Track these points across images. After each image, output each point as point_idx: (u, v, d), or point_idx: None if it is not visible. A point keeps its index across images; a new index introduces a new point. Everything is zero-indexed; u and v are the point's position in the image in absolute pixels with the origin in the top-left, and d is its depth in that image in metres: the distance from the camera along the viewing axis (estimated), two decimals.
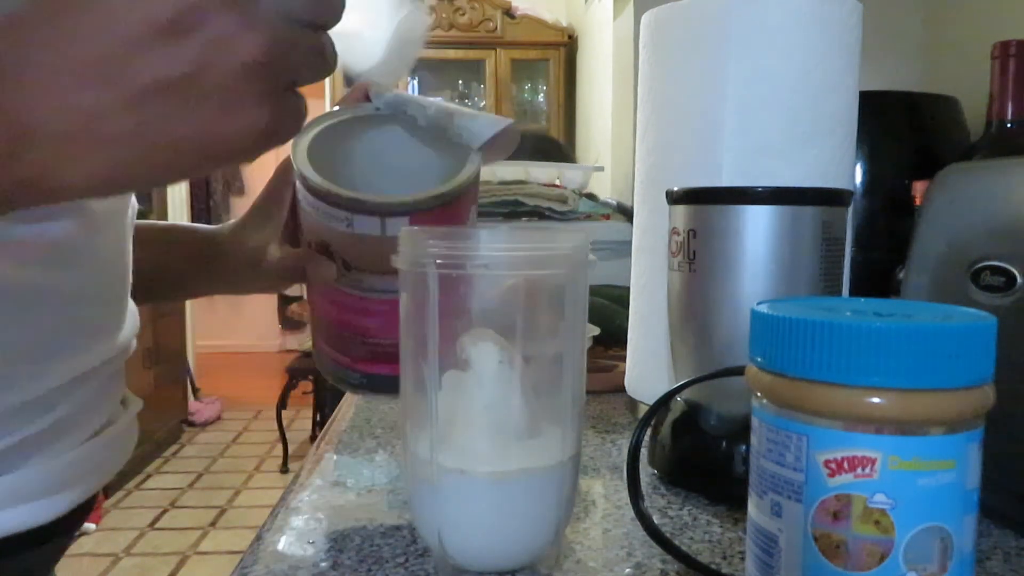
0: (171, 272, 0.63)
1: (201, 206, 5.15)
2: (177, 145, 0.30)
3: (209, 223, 0.66)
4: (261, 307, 5.83)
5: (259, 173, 5.47)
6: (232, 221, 0.61)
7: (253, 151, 0.32)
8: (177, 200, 4.63)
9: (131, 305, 0.54)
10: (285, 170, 0.57)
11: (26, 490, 0.44)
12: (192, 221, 4.91)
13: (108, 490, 3.16)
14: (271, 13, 0.30)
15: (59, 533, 0.49)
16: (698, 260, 0.49)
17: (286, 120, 0.32)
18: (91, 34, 0.28)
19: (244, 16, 0.29)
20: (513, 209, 1.32)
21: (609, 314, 0.88)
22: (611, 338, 0.84)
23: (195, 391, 4.39)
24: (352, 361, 0.54)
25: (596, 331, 0.83)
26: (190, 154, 0.31)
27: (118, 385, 0.53)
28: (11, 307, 0.42)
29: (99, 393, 0.49)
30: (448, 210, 0.49)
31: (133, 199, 0.52)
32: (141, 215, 0.56)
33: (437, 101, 0.52)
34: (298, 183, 0.50)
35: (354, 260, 0.50)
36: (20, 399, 0.43)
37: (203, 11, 0.28)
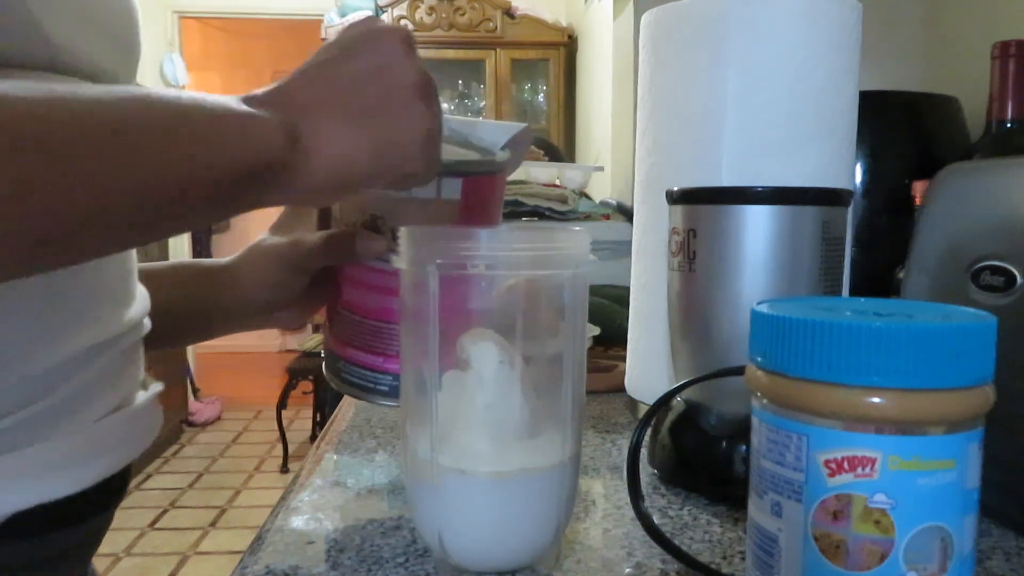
0: (185, 312, 0.63)
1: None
2: (377, 148, 0.43)
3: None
4: None
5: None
6: (250, 245, 0.62)
7: (426, 149, 0.44)
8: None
9: (140, 288, 0.55)
10: None
11: (44, 463, 0.44)
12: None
13: None
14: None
15: (87, 514, 0.50)
16: (698, 260, 0.49)
17: (440, 120, 0.46)
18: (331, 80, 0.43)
19: (406, 54, 0.44)
20: (513, 209, 1.32)
21: (609, 314, 0.88)
22: (611, 338, 0.84)
23: (195, 391, 4.39)
24: (384, 361, 0.54)
25: (596, 331, 0.83)
26: (386, 155, 0.43)
27: (133, 365, 0.53)
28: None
29: (112, 370, 0.50)
30: (494, 181, 0.53)
31: None
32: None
33: (460, 117, 0.56)
34: None
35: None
36: (34, 370, 0.44)
37: (382, 67, 0.43)
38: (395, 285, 0.51)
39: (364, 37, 0.44)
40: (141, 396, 0.53)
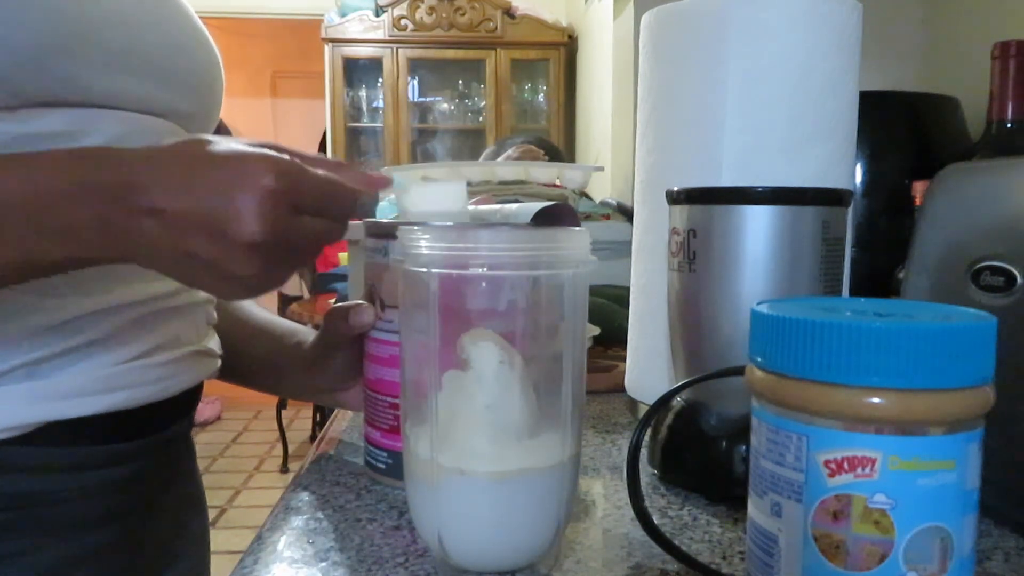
0: (270, 368, 0.67)
1: None
2: (187, 279, 0.44)
3: None
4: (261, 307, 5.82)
5: None
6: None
7: (244, 294, 0.45)
8: None
9: None
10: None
11: (62, 391, 0.52)
12: None
13: None
14: (273, 223, 0.40)
15: (167, 423, 0.61)
16: (698, 260, 0.49)
17: (263, 288, 0.43)
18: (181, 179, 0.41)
19: (240, 247, 0.40)
20: None
21: (609, 314, 0.88)
22: (611, 338, 0.84)
23: None
24: (380, 436, 0.52)
25: (596, 331, 0.83)
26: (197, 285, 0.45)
27: (161, 326, 0.59)
28: None
29: (133, 327, 0.56)
30: None
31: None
32: None
33: (509, 205, 0.55)
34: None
35: (389, 295, 0.50)
36: (62, 318, 0.52)
37: (222, 216, 0.40)
38: (386, 355, 0.51)
39: (231, 173, 0.41)
40: (162, 354, 0.58)
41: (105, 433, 0.56)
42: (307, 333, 0.65)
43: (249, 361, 0.69)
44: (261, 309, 0.73)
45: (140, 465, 0.60)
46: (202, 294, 0.64)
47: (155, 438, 0.60)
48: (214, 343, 0.66)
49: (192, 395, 0.64)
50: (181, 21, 0.59)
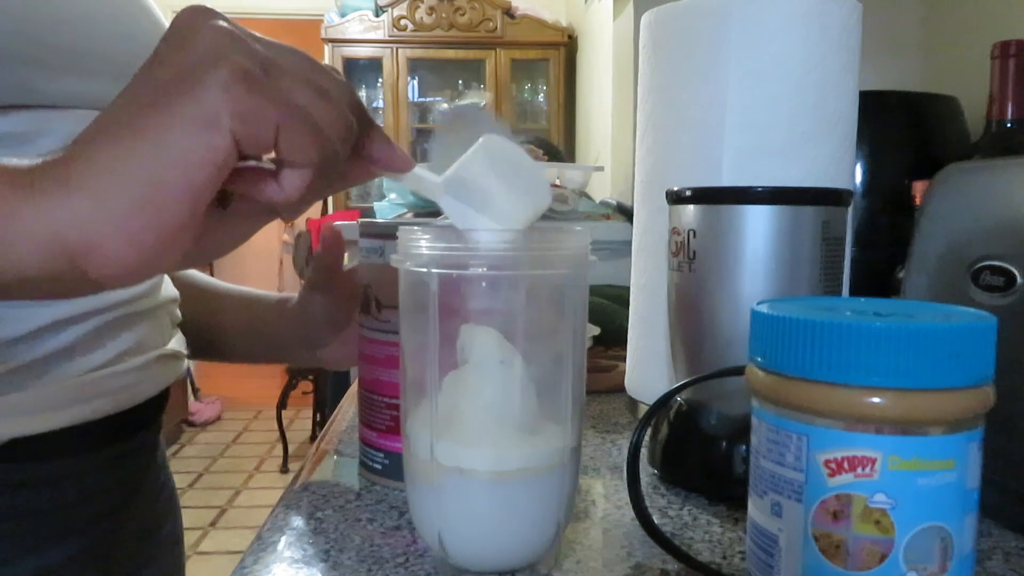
0: (246, 332, 0.69)
1: None
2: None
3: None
4: None
5: None
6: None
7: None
8: None
9: None
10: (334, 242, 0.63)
11: (22, 407, 0.51)
12: None
13: None
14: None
15: (134, 431, 0.61)
16: (698, 260, 0.49)
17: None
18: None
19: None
20: None
21: (609, 314, 0.88)
22: (611, 338, 0.84)
23: (195, 391, 4.39)
24: (377, 436, 0.52)
25: (596, 331, 0.83)
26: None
27: (123, 334, 0.57)
28: None
29: (94, 337, 0.55)
30: None
31: None
32: None
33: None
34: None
35: (385, 296, 0.50)
36: (20, 331, 0.50)
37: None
38: (382, 355, 0.50)
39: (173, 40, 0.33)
40: (127, 361, 0.58)
41: (71, 446, 0.54)
42: (293, 296, 0.66)
43: (226, 327, 0.69)
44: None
45: (107, 475, 0.59)
46: (165, 294, 0.63)
47: (122, 447, 0.60)
48: (178, 343, 0.65)
49: (159, 401, 0.63)
50: (139, 16, 0.57)
